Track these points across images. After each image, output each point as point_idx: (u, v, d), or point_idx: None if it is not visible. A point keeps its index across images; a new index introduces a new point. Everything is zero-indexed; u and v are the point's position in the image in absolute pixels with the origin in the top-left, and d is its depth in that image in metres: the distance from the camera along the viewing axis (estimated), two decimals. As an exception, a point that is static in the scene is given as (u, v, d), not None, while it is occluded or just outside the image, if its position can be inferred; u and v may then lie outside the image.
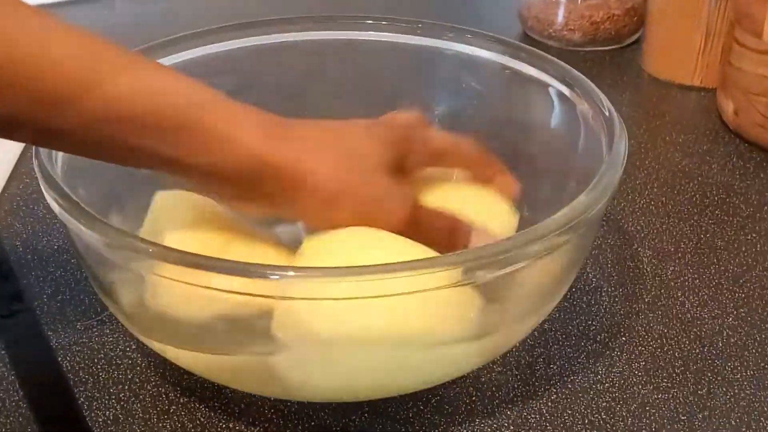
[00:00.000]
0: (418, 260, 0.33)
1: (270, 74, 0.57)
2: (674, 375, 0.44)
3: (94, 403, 0.42)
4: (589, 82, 0.49)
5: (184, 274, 0.32)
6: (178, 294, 0.35)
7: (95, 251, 0.37)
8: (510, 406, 0.43)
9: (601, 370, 0.45)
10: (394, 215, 0.36)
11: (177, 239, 0.38)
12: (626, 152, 0.41)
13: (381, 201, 0.36)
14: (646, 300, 0.50)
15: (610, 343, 0.47)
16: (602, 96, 0.47)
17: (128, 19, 0.86)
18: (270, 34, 0.55)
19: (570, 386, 0.44)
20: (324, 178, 0.34)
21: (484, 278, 0.35)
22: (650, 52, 0.77)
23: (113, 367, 0.44)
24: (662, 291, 0.51)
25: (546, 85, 0.52)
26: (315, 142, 0.35)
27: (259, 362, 0.38)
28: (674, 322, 0.48)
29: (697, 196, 0.61)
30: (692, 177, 0.62)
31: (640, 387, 0.44)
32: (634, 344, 0.47)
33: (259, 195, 0.34)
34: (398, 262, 0.32)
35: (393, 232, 0.35)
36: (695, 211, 0.59)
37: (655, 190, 0.61)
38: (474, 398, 0.43)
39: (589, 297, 0.50)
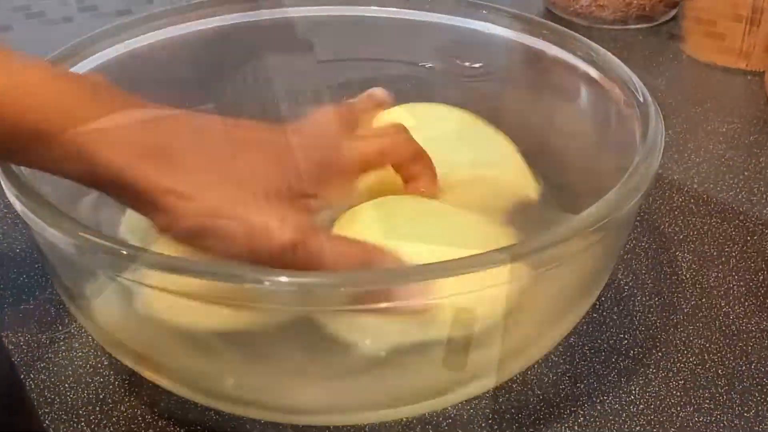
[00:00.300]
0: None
1: (270, 50, 0.57)
2: (717, 395, 0.44)
3: (62, 426, 0.42)
4: (620, 64, 0.49)
5: (169, 281, 0.32)
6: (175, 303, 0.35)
7: (63, 254, 0.37)
8: (531, 430, 0.42)
9: (635, 390, 0.45)
10: (271, 241, 0.35)
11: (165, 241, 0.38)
12: (663, 143, 0.41)
13: (255, 228, 0.35)
14: (686, 310, 0.50)
15: (644, 359, 0.47)
16: (636, 80, 0.47)
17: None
18: (268, 8, 0.56)
19: (599, 408, 0.43)
20: (197, 207, 0.34)
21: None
22: (689, 30, 0.77)
23: (83, 386, 0.44)
24: (703, 300, 0.51)
25: (572, 68, 0.51)
26: (200, 168, 0.36)
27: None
28: (717, 335, 0.48)
29: (743, 192, 0.60)
30: (737, 171, 0.62)
31: (678, 408, 0.43)
32: (672, 360, 0.46)
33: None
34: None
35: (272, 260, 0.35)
36: (741, 210, 0.59)
37: (696, 186, 0.61)
38: (491, 421, 0.43)
39: (621, 307, 0.50)
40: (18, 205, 0.36)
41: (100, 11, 0.81)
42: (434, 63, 0.59)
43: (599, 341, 0.48)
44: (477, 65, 0.58)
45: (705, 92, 0.73)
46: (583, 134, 0.53)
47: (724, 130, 0.67)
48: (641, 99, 0.45)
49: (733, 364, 0.46)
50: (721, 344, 0.47)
